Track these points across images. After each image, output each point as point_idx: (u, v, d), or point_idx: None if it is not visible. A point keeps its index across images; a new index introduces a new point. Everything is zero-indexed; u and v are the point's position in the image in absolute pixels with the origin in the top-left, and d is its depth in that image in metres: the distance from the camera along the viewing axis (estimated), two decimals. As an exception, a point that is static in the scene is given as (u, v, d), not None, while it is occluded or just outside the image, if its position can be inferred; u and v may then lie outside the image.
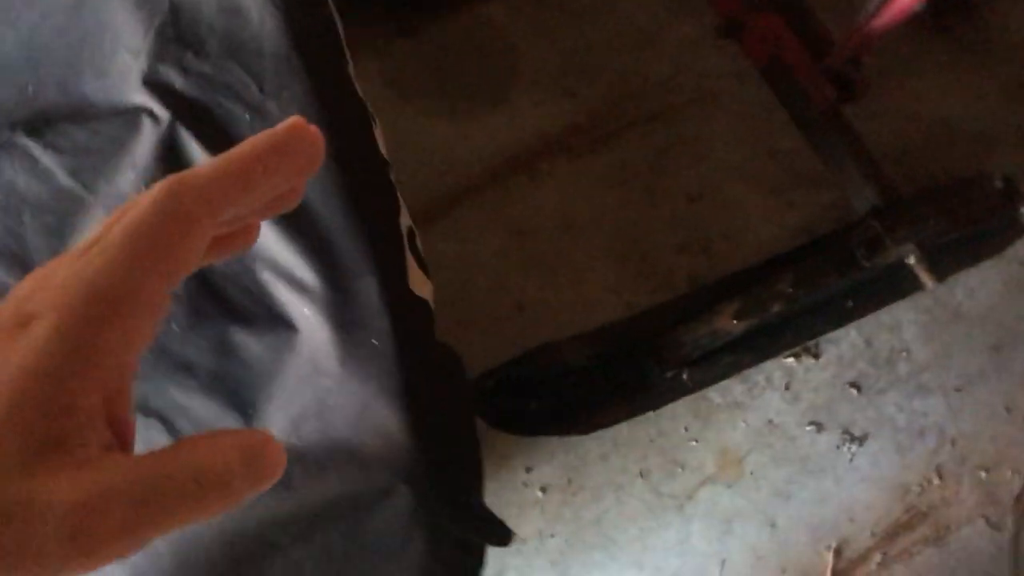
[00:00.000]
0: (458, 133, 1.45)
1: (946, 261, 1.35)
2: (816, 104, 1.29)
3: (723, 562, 1.22)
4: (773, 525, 1.25)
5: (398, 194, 0.82)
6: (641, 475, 1.26)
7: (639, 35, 1.54)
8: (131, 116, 0.73)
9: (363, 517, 0.68)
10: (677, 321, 1.30)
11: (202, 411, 0.69)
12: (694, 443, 1.28)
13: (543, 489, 1.24)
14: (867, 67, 1.27)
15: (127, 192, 0.74)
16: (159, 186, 0.28)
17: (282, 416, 0.70)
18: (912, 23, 1.17)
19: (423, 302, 0.80)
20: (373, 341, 0.71)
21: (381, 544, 0.68)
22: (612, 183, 1.44)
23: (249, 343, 0.71)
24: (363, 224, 0.74)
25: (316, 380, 0.70)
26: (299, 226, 0.73)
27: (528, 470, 1.25)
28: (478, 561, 0.75)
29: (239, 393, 0.70)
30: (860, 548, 1.24)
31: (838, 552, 1.24)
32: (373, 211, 0.77)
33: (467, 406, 0.82)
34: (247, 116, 0.76)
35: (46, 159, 0.74)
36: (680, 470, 1.27)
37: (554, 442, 1.25)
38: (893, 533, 1.26)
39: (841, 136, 1.28)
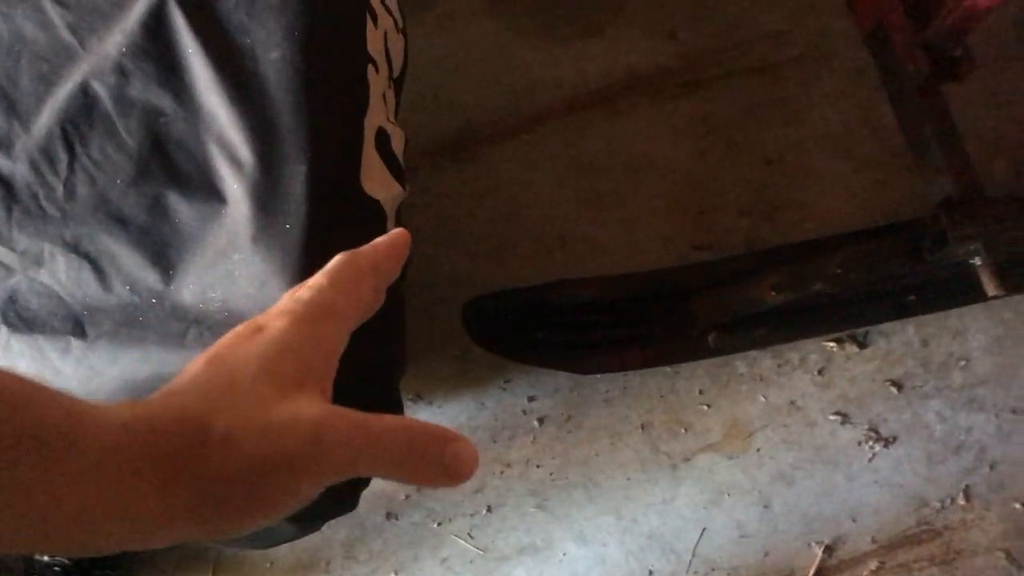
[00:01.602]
0: (545, 57, 1.43)
1: (1027, 273, 1.23)
2: (909, 77, 1.18)
3: (704, 530, 1.19)
4: (767, 506, 1.20)
5: (370, 93, 0.83)
6: (642, 427, 1.24)
7: (760, -17, 1.47)
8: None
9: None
10: (715, 282, 1.25)
11: (128, 261, 0.75)
12: (705, 408, 1.24)
13: (541, 420, 1.25)
14: (977, 46, 1.16)
15: (112, 53, 0.79)
16: (341, 254, 0.41)
17: (195, 281, 0.75)
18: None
19: (372, 201, 0.81)
20: (287, 225, 0.74)
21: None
22: (691, 133, 1.39)
23: (181, 208, 0.75)
24: (312, 114, 0.77)
25: (230, 253, 0.74)
26: (251, 105, 0.76)
27: (531, 399, 1.26)
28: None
29: (164, 253, 0.75)
30: (855, 551, 1.18)
31: (830, 549, 1.18)
32: (330, 104, 0.79)
33: (395, 307, 0.84)
34: (234, -5, 0.80)
35: (53, 12, 0.81)
36: (683, 431, 1.24)
37: (562, 378, 1.25)
38: (897, 544, 1.18)
39: (928, 115, 1.17)
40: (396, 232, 0.45)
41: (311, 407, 0.34)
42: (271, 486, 0.32)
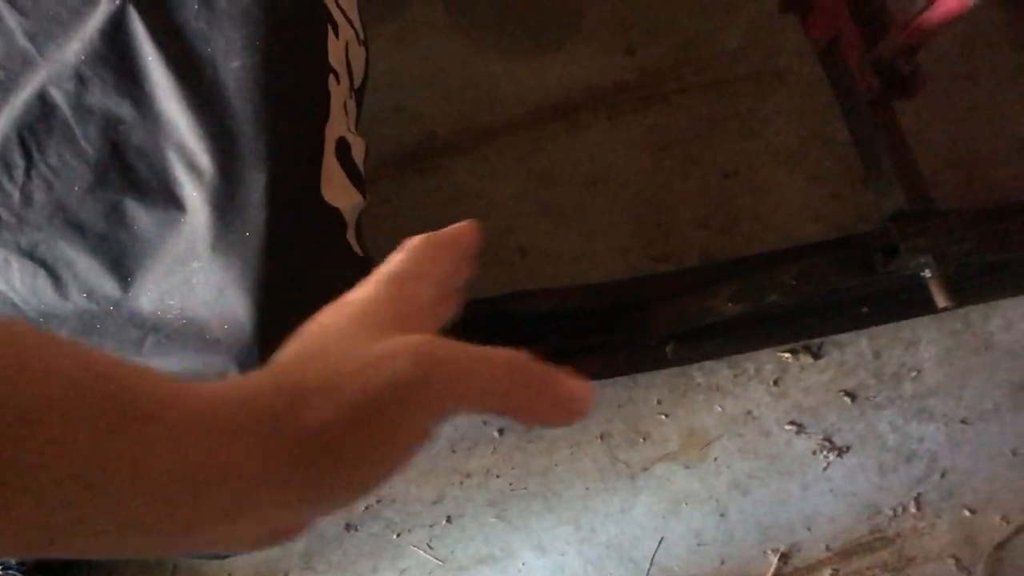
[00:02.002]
0: (506, 71, 1.45)
1: (975, 286, 1.26)
2: (861, 93, 1.21)
3: (661, 539, 1.20)
4: (723, 515, 1.21)
5: (331, 102, 0.83)
6: (601, 437, 1.25)
7: (717, 1, 1.49)
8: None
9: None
10: (673, 293, 1.27)
11: (85, 269, 0.74)
12: (663, 417, 1.26)
13: (500, 431, 1.25)
14: (927, 63, 1.19)
15: (71, 60, 0.79)
16: (415, 238, 0.40)
17: (154, 288, 0.74)
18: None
19: (332, 210, 0.82)
20: (246, 233, 0.74)
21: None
22: (649, 146, 1.41)
23: (140, 215, 0.75)
24: (272, 123, 0.77)
25: (188, 261, 0.74)
26: (211, 113, 0.77)
27: (491, 409, 1.26)
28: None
29: (122, 261, 0.75)
30: (810, 558, 1.20)
31: (785, 557, 1.20)
32: (291, 113, 0.79)
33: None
34: (195, 5, 0.80)
35: (11, 19, 0.80)
36: (642, 440, 1.25)
37: (522, 387, 1.26)
38: (850, 551, 1.20)
39: (880, 130, 1.20)
40: (465, 222, 0.43)
41: (411, 337, 0.31)
42: (379, 426, 0.29)
